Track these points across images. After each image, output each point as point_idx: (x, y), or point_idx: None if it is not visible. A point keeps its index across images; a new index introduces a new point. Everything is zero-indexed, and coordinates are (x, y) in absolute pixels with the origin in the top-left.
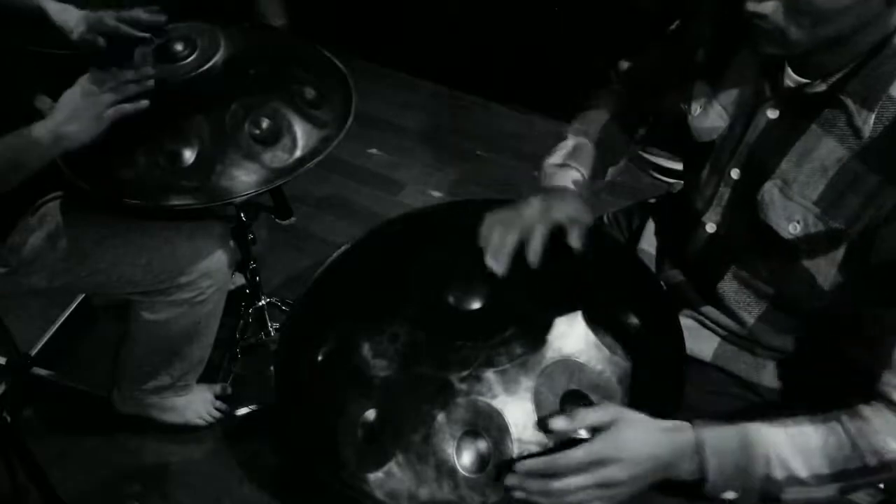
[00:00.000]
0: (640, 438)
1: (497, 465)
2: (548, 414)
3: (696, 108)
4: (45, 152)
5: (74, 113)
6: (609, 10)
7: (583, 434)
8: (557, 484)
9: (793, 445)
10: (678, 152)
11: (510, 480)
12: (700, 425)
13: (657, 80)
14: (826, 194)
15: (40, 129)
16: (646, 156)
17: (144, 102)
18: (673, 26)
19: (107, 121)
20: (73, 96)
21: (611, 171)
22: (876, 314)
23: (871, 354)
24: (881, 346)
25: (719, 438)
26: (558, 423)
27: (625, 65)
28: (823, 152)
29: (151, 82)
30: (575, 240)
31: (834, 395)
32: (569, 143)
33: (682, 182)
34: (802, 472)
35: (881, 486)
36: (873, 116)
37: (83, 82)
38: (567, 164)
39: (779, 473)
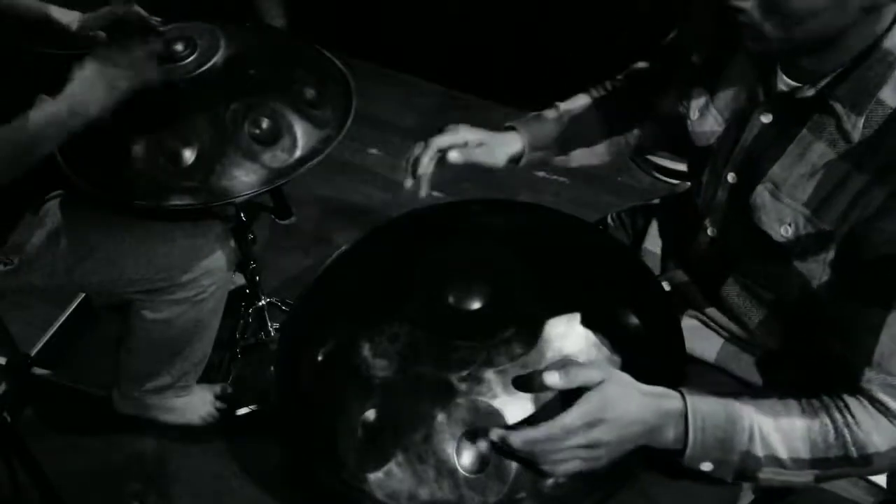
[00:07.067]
0: (628, 399)
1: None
2: (541, 368)
3: (694, 113)
4: (62, 126)
5: (87, 83)
6: (608, 11)
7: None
8: (549, 446)
9: (777, 425)
10: (683, 155)
11: (494, 437)
12: (688, 394)
13: (657, 82)
14: (815, 196)
15: (56, 103)
16: (647, 156)
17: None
18: (672, 35)
19: (120, 90)
20: (84, 69)
21: (581, 152)
22: (857, 312)
23: (851, 352)
24: (862, 344)
25: (706, 408)
26: (552, 379)
27: (636, 66)
28: (814, 156)
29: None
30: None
31: (816, 389)
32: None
33: (688, 183)
34: (783, 452)
35: (883, 486)
36: (862, 121)
37: (92, 55)
38: (512, 126)
39: (759, 450)
